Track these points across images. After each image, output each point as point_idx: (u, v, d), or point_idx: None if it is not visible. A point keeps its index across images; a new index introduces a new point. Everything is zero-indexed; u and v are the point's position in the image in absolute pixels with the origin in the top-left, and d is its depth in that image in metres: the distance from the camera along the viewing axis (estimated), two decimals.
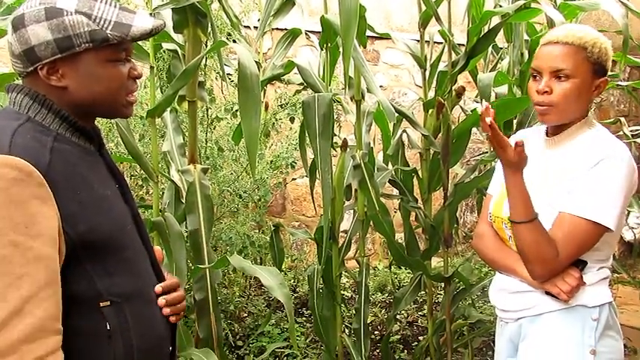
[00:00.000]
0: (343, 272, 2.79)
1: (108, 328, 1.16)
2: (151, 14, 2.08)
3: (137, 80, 1.29)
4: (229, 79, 3.39)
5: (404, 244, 2.93)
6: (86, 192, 1.17)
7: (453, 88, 2.77)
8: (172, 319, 1.35)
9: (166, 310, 1.33)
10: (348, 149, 2.66)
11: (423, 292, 3.28)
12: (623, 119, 3.41)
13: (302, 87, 3.16)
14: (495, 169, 1.94)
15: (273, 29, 3.81)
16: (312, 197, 2.89)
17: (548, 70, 1.65)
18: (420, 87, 3.02)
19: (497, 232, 1.81)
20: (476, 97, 3.17)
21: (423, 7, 2.78)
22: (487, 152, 3.29)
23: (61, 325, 1.06)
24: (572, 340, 1.66)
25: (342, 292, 3.46)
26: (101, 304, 1.16)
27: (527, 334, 1.73)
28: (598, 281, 1.68)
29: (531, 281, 1.69)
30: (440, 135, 2.79)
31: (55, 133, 1.18)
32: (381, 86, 5.25)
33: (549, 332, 1.69)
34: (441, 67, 2.94)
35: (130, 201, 1.34)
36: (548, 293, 1.66)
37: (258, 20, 2.51)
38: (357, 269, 2.84)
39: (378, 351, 3.60)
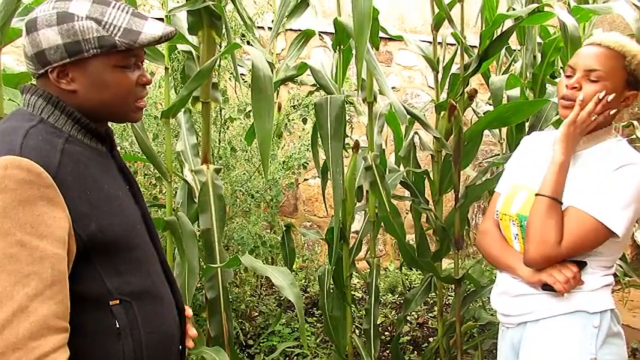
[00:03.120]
0: (354, 273, 2.80)
1: (117, 326, 1.18)
2: (166, 16, 2.11)
3: (146, 86, 1.30)
4: (243, 79, 3.42)
5: (415, 245, 2.93)
6: (97, 193, 1.18)
7: (465, 90, 2.77)
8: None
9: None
10: (360, 150, 2.67)
11: (433, 294, 3.28)
12: (636, 122, 3.40)
13: (315, 88, 3.18)
14: (505, 170, 1.94)
15: (286, 30, 3.84)
16: (324, 198, 2.90)
17: (583, 68, 1.65)
18: (433, 89, 3.02)
19: (503, 230, 1.81)
20: (488, 99, 3.17)
21: (436, 10, 2.78)
22: (499, 154, 3.29)
23: (67, 323, 1.08)
24: (572, 346, 1.64)
25: (352, 292, 3.48)
26: (111, 303, 1.18)
27: (528, 339, 1.71)
28: (600, 287, 1.66)
29: (529, 278, 1.67)
30: (452, 137, 2.80)
31: (67, 134, 1.20)
32: (393, 87, 5.26)
33: (549, 337, 1.67)
34: (454, 69, 2.94)
35: (140, 201, 1.37)
36: (545, 287, 1.65)
37: (272, 21, 2.53)
38: (368, 270, 2.85)
39: (387, 352, 3.61)
